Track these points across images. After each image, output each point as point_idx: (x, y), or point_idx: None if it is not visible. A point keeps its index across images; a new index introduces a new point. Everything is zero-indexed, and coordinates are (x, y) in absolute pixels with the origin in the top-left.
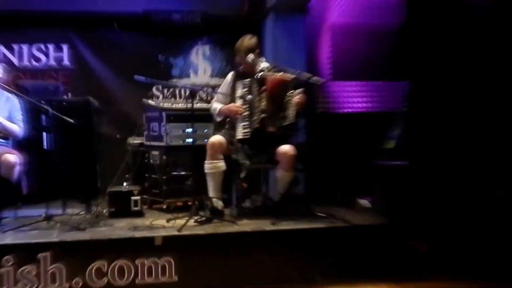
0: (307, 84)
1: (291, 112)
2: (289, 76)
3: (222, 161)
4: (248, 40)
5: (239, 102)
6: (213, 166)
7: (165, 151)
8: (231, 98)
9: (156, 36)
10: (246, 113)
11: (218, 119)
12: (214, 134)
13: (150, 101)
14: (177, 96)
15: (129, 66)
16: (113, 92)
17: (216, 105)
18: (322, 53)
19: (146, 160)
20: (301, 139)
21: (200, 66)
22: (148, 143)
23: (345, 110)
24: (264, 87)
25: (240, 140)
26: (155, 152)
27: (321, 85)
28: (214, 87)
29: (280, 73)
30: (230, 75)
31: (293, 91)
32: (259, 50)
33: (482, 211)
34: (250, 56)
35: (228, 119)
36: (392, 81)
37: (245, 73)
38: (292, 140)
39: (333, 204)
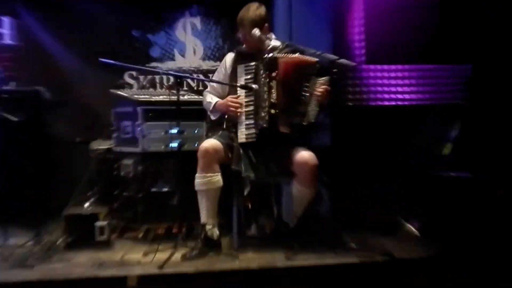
0: (332, 70)
1: (311, 108)
2: (309, 58)
3: (219, 174)
4: (254, 10)
5: (241, 94)
6: (207, 181)
7: (142, 159)
8: (231, 88)
9: (129, 4)
10: (251, 108)
11: (213, 116)
12: (207, 136)
13: (121, 92)
14: (158, 86)
15: (93, 45)
16: (72, 81)
17: (210, 98)
18: (352, 29)
19: (115, 172)
20: (324, 142)
21: (188, 44)
22: (118, 149)
23: (384, 103)
24: (275, 73)
25: (242, 145)
26: (128, 161)
27: (351, 70)
28: (208, 73)
29: (296, 54)
30: (228, 57)
31: (314, 78)
32: (268, 24)
33: None
34: (256, 32)
35: (226, 116)
36: (448, 64)
37: (249, 54)
38: (312, 144)
39: (368, 229)
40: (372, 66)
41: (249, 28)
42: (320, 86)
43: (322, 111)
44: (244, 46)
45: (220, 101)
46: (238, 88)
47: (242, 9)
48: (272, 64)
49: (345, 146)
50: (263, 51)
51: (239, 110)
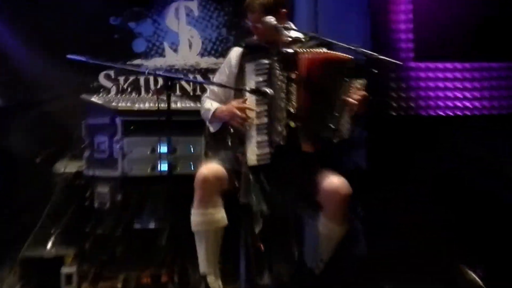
0: (370, 69)
1: (344, 120)
2: (341, 54)
3: (222, 209)
4: None
5: (250, 100)
6: (207, 219)
7: (121, 186)
8: (237, 93)
9: None
10: (264, 120)
11: (213, 128)
12: (206, 156)
13: (94, 98)
14: (142, 89)
15: (58, 37)
16: (32, 83)
17: (209, 104)
18: (395, 15)
19: (87, 202)
20: (359, 164)
21: (182, 36)
22: (90, 172)
23: (438, 112)
24: (295, 73)
25: (253, 169)
26: (103, 189)
27: (395, 70)
28: (207, 73)
29: (323, 49)
30: (234, 53)
31: (348, 81)
32: (286, 9)
33: None
34: (271, 19)
35: (231, 130)
36: None
37: (262, 48)
38: (344, 166)
39: (417, 277)
40: (423, 64)
41: (261, 14)
42: (356, 91)
43: (358, 124)
44: (254, 37)
45: (222, 107)
46: (247, 94)
47: None
48: (292, 61)
49: (386, 169)
50: (279, 44)
51: (246, 120)
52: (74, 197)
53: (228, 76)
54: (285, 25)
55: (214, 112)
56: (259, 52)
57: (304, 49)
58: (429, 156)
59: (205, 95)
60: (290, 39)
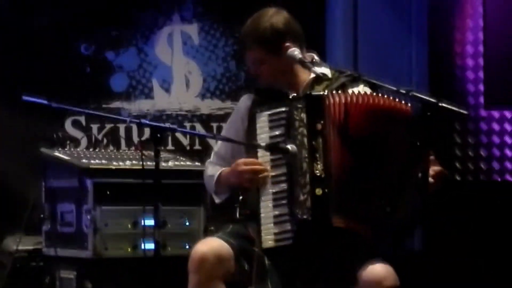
0: (428, 120)
1: (408, 200)
2: (393, 100)
3: None
4: (276, 18)
5: (264, 160)
6: None
7: (92, 271)
8: (249, 151)
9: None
10: (283, 186)
11: (218, 198)
12: (207, 232)
13: (58, 153)
14: (122, 142)
15: (12, 72)
16: None
17: (213, 170)
18: (460, 48)
19: None
20: (411, 244)
21: (176, 70)
22: (51, 251)
23: None
24: (320, 123)
25: (269, 251)
26: (68, 274)
27: (460, 120)
28: (210, 122)
29: (360, 90)
30: (243, 102)
31: (419, 146)
32: (302, 40)
33: None
34: (294, 52)
35: (241, 197)
36: None
37: (277, 92)
38: (391, 250)
39: None
40: (497, 113)
41: (261, 49)
42: (431, 164)
43: (424, 207)
44: (263, 78)
45: (226, 169)
46: (260, 153)
47: (252, 20)
48: (317, 107)
49: (448, 253)
50: (298, 87)
51: (260, 174)
52: (29, 284)
53: (237, 133)
54: (314, 59)
55: (218, 177)
56: (274, 97)
57: (333, 91)
58: (504, 232)
59: (209, 160)
60: (312, 76)
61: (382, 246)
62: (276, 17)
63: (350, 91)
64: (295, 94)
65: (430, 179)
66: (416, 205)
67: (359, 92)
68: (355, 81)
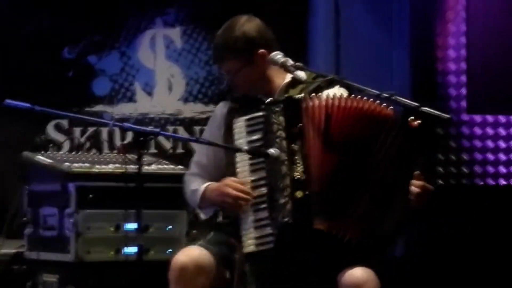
0: (409, 126)
1: (394, 213)
2: (371, 102)
3: None
4: (247, 26)
5: (242, 165)
6: None
7: (74, 275)
8: (227, 156)
9: (59, 4)
10: (262, 190)
11: (204, 214)
12: (189, 238)
13: (40, 157)
14: (105, 146)
15: None
16: None
17: (196, 184)
18: (443, 52)
19: None
20: (394, 249)
21: (159, 74)
22: (33, 255)
23: (500, 181)
24: (297, 127)
25: (250, 256)
26: (50, 277)
27: (443, 125)
28: (192, 125)
29: (338, 92)
30: (219, 109)
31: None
32: (275, 44)
33: None
34: (277, 55)
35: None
36: None
37: (252, 99)
38: (372, 250)
39: None
40: (479, 117)
41: (235, 60)
42: (416, 177)
43: (409, 221)
44: (239, 86)
45: (213, 185)
46: (238, 158)
47: (221, 29)
48: (293, 110)
49: (430, 258)
50: (276, 89)
51: (245, 200)
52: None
53: (215, 140)
54: (296, 63)
55: (203, 192)
56: (250, 104)
57: (309, 94)
58: (488, 237)
59: (188, 172)
60: (287, 81)
61: (364, 252)
62: (247, 25)
63: (325, 93)
64: (271, 99)
65: (411, 196)
66: (401, 215)
67: (341, 94)
68: (331, 83)
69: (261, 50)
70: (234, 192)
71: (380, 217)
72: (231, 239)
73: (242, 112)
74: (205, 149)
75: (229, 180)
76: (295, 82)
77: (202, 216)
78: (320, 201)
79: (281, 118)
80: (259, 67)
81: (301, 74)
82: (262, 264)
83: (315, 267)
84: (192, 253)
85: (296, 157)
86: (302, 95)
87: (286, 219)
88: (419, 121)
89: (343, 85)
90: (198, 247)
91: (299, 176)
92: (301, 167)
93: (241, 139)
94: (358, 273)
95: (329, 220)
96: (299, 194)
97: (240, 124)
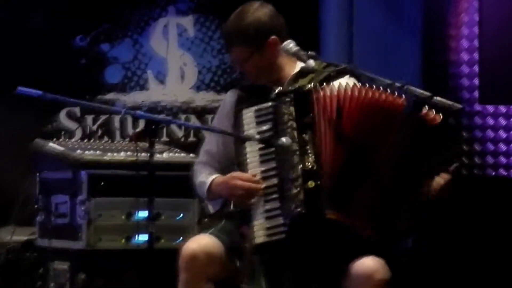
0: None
1: (408, 207)
2: (389, 95)
3: None
4: (259, 13)
5: (252, 155)
6: None
7: (85, 262)
8: (236, 146)
9: None
10: (273, 181)
11: (212, 208)
12: (200, 226)
13: (52, 144)
14: (117, 134)
15: (7, 64)
16: None
17: (204, 176)
18: (456, 43)
19: (39, 283)
20: (408, 241)
21: (171, 62)
22: (45, 242)
23: None
24: (309, 117)
25: (261, 248)
26: (62, 265)
27: (454, 115)
28: (204, 114)
29: (347, 82)
30: (229, 97)
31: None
32: (286, 31)
33: None
34: (289, 45)
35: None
36: None
37: (261, 88)
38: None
39: None
40: (491, 108)
41: (246, 47)
42: (441, 169)
43: (424, 215)
44: (251, 74)
45: (219, 178)
46: (248, 148)
47: (233, 15)
48: (304, 100)
49: (440, 249)
50: (286, 79)
51: (255, 192)
52: (22, 275)
53: (223, 128)
54: (310, 52)
55: (210, 185)
56: (259, 94)
57: (318, 83)
58: (500, 227)
59: (197, 161)
60: (297, 70)
61: (375, 244)
62: (259, 11)
63: (336, 83)
64: (280, 88)
65: (433, 189)
66: (414, 212)
67: (354, 84)
68: (341, 73)
69: (272, 37)
70: (245, 184)
71: (391, 212)
72: (242, 228)
73: (251, 102)
74: (215, 138)
75: (235, 174)
76: (305, 71)
77: (210, 208)
78: (331, 192)
79: (292, 108)
80: (269, 55)
81: (313, 64)
82: (272, 254)
83: (325, 257)
84: (203, 241)
85: (308, 147)
86: (312, 85)
87: (298, 209)
88: (439, 117)
89: (353, 74)
90: (208, 235)
91: (310, 166)
92: (312, 157)
93: (251, 129)
94: (369, 262)
95: (341, 211)
96: (310, 184)
97: (249, 115)
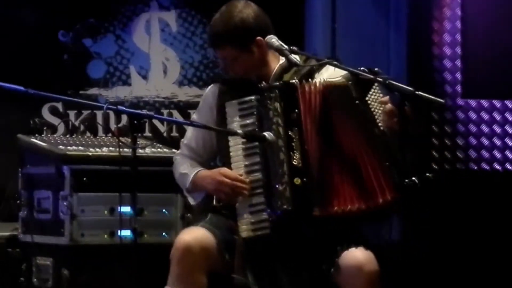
0: (404, 109)
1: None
2: (338, 80)
3: None
4: (245, 13)
5: (236, 149)
6: None
7: (69, 258)
8: (219, 140)
9: None
10: (257, 175)
11: (193, 200)
12: (183, 221)
13: (35, 140)
14: (100, 129)
15: None
16: None
17: (186, 167)
18: (439, 37)
19: (22, 278)
20: (389, 235)
21: (154, 58)
22: (28, 238)
23: (495, 166)
24: (295, 113)
25: (248, 242)
26: (45, 260)
27: (439, 109)
28: (187, 109)
29: (331, 75)
30: (210, 91)
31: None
32: (272, 29)
33: None
34: (272, 39)
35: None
36: None
37: (245, 81)
38: (370, 238)
39: None
40: (474, 102)
41: (233, 48)
42: (380, 103)
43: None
44: (232, 69)
45: (204, 171)
46: (231, 142)
47: (218, 15)
48: (289, 96)
49: (426, 242)
50: (269, 73)
51: (241, 190)
52: (5, 271)
53: (206, 123)
54: (292, 47)
55: (193, 178)
56: (242, 86)
57: (302, 78)
58: (483, 223)
59: (178, 152)
60: (280, 64)
61: (359, 230)
62: (244, 12)
63: (322, 76)
64: (264, 83)
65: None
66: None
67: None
68: (323, 66)
69: (259, 38)
70: (232, 183)
71: (368, 181)
72: (230, 221)
73: (234, 95)
74: (195, 132)
75: (222, 170)
76: (289, 66)
77: (191, 201)
78: (317, 189)
79: (277, 104)
80: (256, 54)
81: (296, 58)
82: (260, 247)
83: (314, 251)
84: (197, 234)
85: (293, 144)
86: (297, 81)
87: (285, 206)
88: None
89: (335, 67)
90: (202, 228)
91: (296, 163)
92: (299, 154)
93: (234, 122)
94: (358, 254)
95: (327, 206)
96: (297, 181)
97: (233, 108)
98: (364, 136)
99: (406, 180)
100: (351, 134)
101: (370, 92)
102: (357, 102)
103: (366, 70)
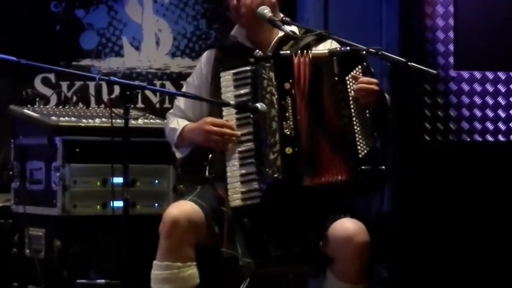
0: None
1: (361, 131)
2: (323, 51)
3: (193, 262)
4: None
5: (229, 117)
6: (172, 275)
7: (61, 228)
8: (214, 109)
9: None
10: (249, 145)
11: (180, 153)
12: (176, 192)
13: (27, 111)
14: (92, 100)
15: None
16: None
17: (175, 122)
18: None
19: (14, 249)
20: (379, 206)
21: (146, 29)
22: (20, 208)
23: (487, 137)
24: (289, 83)
25: (238, 211)
26: (37, 231)
27: (430, 81)
28: (180, 80)
29: (324, 48)
30: (206, 58)
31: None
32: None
33: None
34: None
35: (210, 156)
36: None
37: (241, 50)
38: (361, 208)
39: None
40: (466, 74)
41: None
42: (354, 81)
43: (380, 130)
44: (233, 32)
45: (191, 124)
46: (225, 112)
47: None
48: (284, 67)
49: (417, 213)
50: (267, 44)
51: (230, 137)
52: None
53: (199, 89)
54: (284, 18)
55: (181, 132)
56: (239, 55)
57: (299, 50)
58: (475, 194)
59: (170, 111)
60: (279, 36)
61: (350, 200)
62: None
63: (317, 49)
64: (261, 53)
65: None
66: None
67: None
68: (322, 39)
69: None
70: (218, 129)
71: (350, 145)
72: (218, 192)
73: (229, 65)
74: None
75: (208, 119)
76: (287, 38)
77: (178, 155)
78: (307, 159)
79: (271, 74)
80: None
81: (290, 29)
82: (249, 218)
83: (304, 221)
84: (185, 208)
85: (287, 114)
86: (292, 51)
87: (275, 175)
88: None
89: (333, 40)
90: (189, 201)
91: (289, 132)
92: (291, 123)
93: (229, 92)
94: (348, 225)
95: (317, 175)
96: (288, 150)
97: (227, 77)
98: (335, 115)
99: (362, 167)
100: (330, 109)
101: (354, 72)
102: (336, 78)
103: (372, 50)
